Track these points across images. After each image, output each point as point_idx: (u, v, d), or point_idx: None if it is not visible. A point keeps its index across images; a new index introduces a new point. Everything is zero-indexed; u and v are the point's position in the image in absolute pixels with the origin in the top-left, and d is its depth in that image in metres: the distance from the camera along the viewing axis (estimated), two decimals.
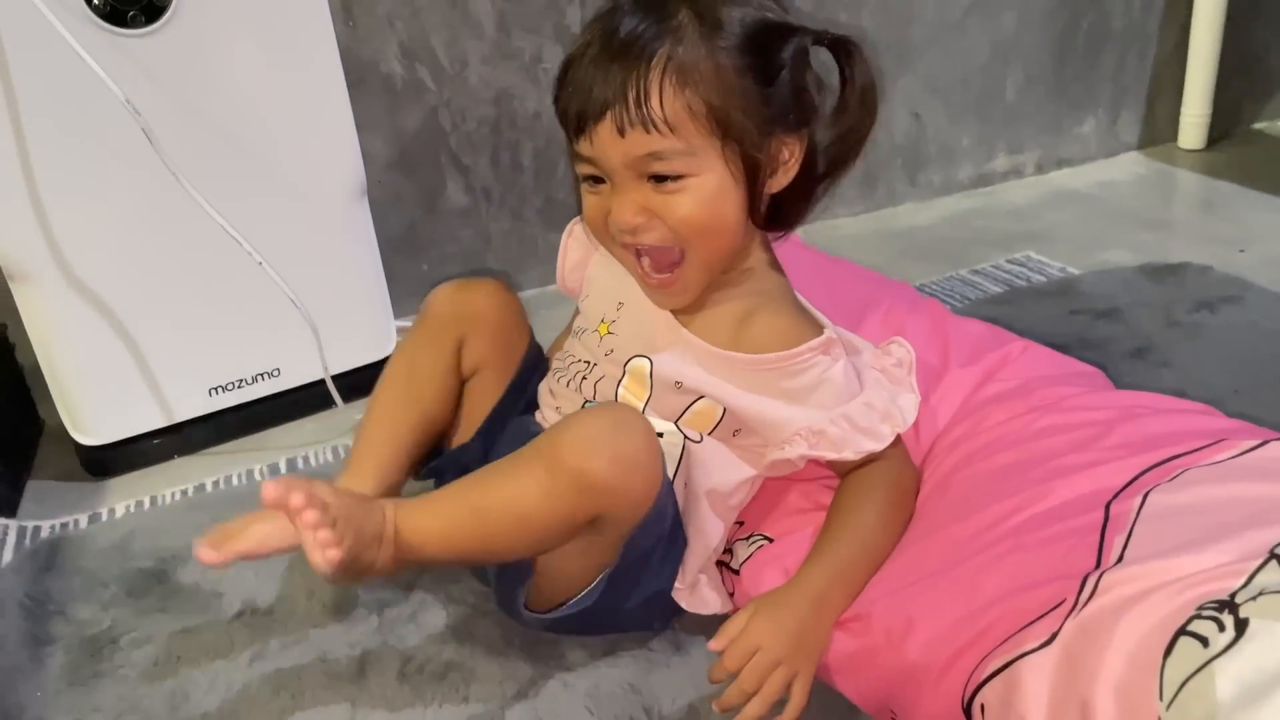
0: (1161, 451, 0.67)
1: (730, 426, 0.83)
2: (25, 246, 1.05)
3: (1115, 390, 0.86)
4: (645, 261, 0.79)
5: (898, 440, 0.82)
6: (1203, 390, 1.10)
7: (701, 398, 0.82)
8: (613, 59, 0.72)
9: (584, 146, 0.75)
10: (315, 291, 1.16)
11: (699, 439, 0.83)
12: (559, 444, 0.71)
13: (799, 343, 0.79)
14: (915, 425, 0.82)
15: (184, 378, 1.17)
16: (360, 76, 1.37)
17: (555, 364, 0.93)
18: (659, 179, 0.74)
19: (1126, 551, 0.58)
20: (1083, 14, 1.83)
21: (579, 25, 1.50)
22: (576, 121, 0.75)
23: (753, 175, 0.76)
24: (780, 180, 0.78)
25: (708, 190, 0.75)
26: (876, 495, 0.82)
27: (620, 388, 0.84)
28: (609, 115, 0.72)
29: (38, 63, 1.00)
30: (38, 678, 0.85)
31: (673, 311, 0.83)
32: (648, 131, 0.72)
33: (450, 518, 0.73)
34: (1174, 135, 1.99)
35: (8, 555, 1.02)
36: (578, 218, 0.88)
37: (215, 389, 1.19)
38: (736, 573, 0.85)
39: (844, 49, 0.77)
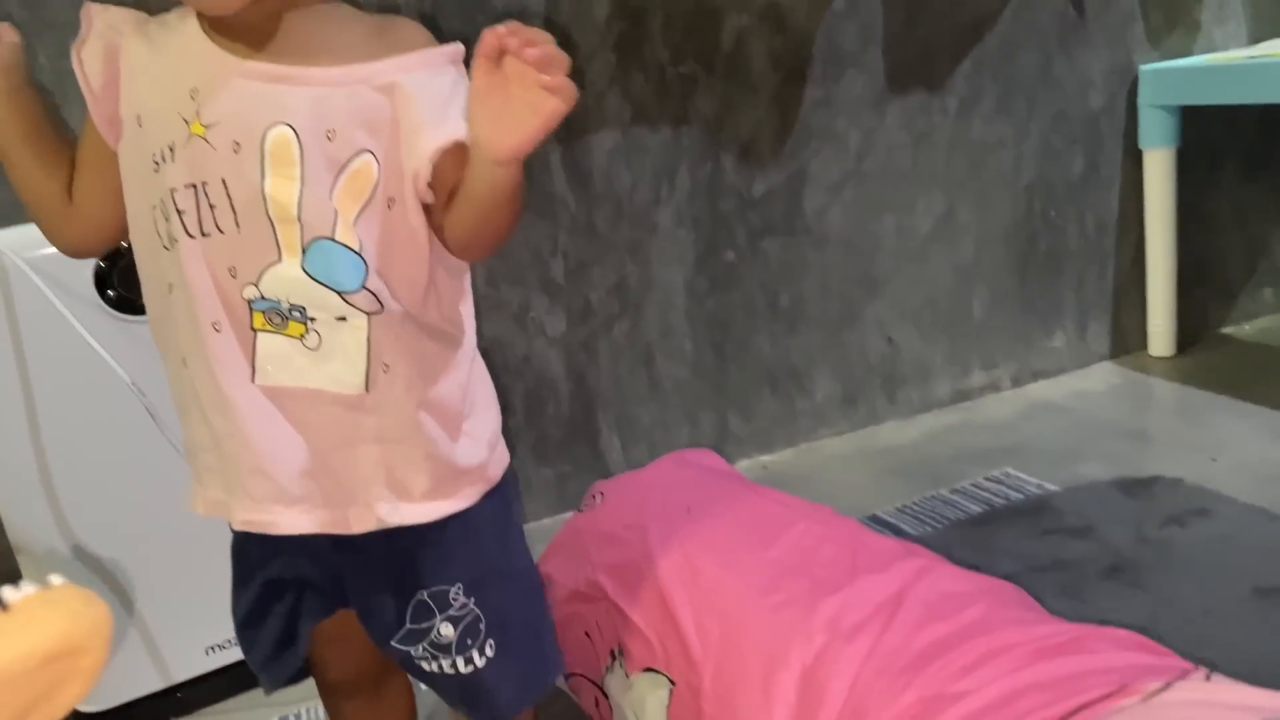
0: (1069, 702, 0.69)
1: (386, 189, 0.72)
2: (31, 517, 1.12)
3: (1021, 618, 0.86)
4: None
5: None
6: (1174, 612, 1.12)
7: (361, 152, 0.71)
8: None
9: None
10: None
11: (379, 308, 0.73)
12: None
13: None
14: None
15: (181, 637, 1.21)
16: None
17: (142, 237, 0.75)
18: None
19: None
20: (1038, 237, 1.95)
21: (563, 277, 1.61)
22: None
23: None
24: None
25: None
26: None
27: (265, 180, 0.70)
28: None
29: (50, 348, 1.09)
30: None
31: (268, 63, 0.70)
32: None
33: None
34: (1144, 343, 2.07)
35: None
36: (99, 3, 0.74)
37: (212, 648, 1.22)
38: None
39: None
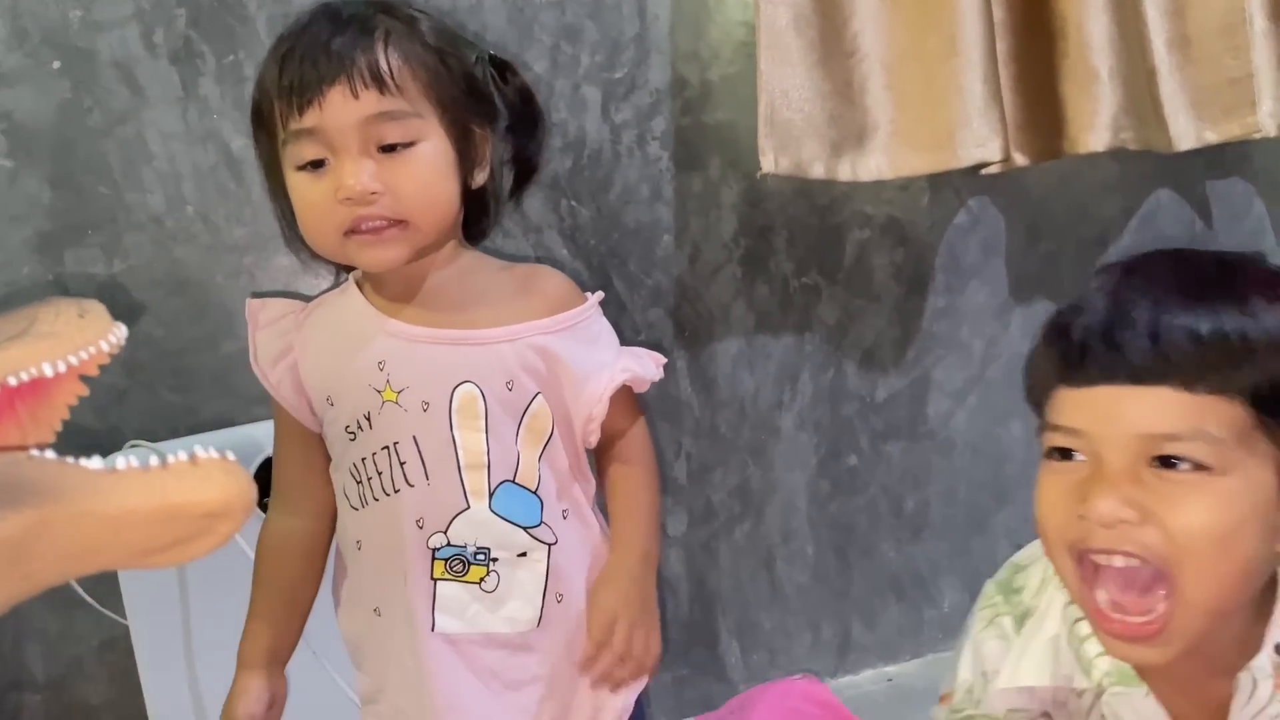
0: None
1: (558, 427, 0.82)
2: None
3: None
4: (362, 228, 0.76)
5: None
6: None
7: (536, 395, 0.80)
8: (334, 35, 0.76)
9: (310, 117, 0.74)
10: None
11: (555, 540, 0.81)
12: None
13: (582, 299, 0.85)
14: None
15: None
16: None
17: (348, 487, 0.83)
18: (387, 149, 0.75)
19: None
20: None
21: (685, 478, 1.64)
22: (302, 93, 0.75)
23: (465, 152, 0.80)
24: (478, 178, 0.82)
25: (436, 159, 0.77)
26: (643, 471, 0.91)
27: (455, 433, 0.78)
28: (342, 78, 0.74)
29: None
30: None
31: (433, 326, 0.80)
32: (381, 92, 0.74)
33: None
34: None
35: None
36: (259, 299, 0.86)
37: None
38: None
39: (501, 66, 0.85)
